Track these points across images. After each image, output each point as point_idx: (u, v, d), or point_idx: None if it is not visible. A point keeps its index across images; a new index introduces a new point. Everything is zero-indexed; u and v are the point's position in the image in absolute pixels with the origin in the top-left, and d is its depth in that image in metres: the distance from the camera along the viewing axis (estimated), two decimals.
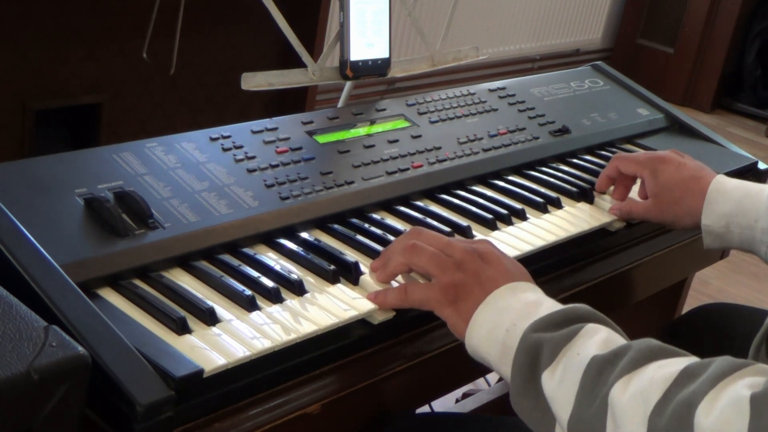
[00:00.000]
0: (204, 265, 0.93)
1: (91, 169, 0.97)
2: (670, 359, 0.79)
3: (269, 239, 1.00)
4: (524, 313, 0.87)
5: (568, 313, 0.86)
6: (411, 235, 0.97)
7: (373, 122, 1.25)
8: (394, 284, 0.96)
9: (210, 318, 0.84)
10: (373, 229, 1.06)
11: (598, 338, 0.83)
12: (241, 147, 1.09)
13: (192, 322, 0.84)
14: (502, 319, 0.87)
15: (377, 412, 0.96)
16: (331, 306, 0.90)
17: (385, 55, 1.31)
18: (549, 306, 0.88)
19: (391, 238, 1.03)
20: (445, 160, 1.22)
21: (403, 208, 1.12)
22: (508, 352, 0.86)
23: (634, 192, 1.26)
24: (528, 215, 1.17)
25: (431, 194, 1.18)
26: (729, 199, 1.16)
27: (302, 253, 0.98)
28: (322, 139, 1.17)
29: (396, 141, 1.22)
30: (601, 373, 0.79)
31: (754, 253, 1.18)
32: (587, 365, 0.80)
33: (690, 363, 0.76)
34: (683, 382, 0.75)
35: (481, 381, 1.93)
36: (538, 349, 0.83)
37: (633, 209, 1.21)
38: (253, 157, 1.08)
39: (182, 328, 0.82)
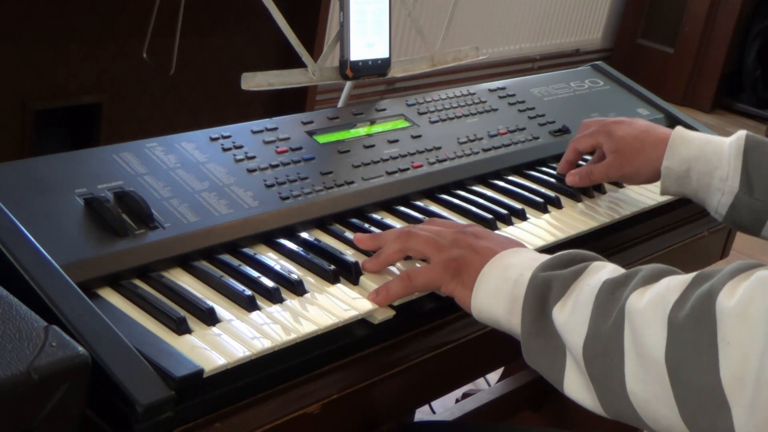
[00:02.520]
0: (204, 265, 0.93)
1: (91, 169, 0.97)
2: (682, 274, 0.80)
3: (269, 239, 1.00)
4: (530, 265, 0.88)
5: (574, 254, 0.88)
6: (403, 228, 0.99)
7: (373, 122, 1.25)
8: (388, 278, 0.96)
9: (210, 318, 0.84)
10: (373, 229, 1.06)
11: (607, 269, 0.84)
12: (241, 147, 1.09)
13: (192, 322, 0.84)
14: (508, 274, 0.88)
15: (377, 412, 0.96)
16: (331, 306, 0.91)
17: (385, 55, 1.31)
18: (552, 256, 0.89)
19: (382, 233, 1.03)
20: (445, 160, 1.22)
21: (403, 208, 1.12)
22: (517, 301, 0.86)
23: None
24: (528, 215, 1.17)
25: (431, 194, 1.18)
26: (692, 145, 1.18)
27: (302, 253, 0.98)
28: (322, 139, 1.17)
29: (396, 141, 1.22)
30: (614, 292, 0.80)
31: (704, 206, 1.19)
32: (600, 288, 0.81)
33: (702, 270, 0.77)
34: (699, 282, 0.76)
35: (481, 381, 1.93)
36: (547, 286, 0.85)
37: (593, 170, 1.23)
38: (253, 157, 1.08)
39: (182, 328, 0.82)
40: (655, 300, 0.76)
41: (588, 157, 1.31)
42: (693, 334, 0.72)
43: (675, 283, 0.77)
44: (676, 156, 1.19)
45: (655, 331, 0.74)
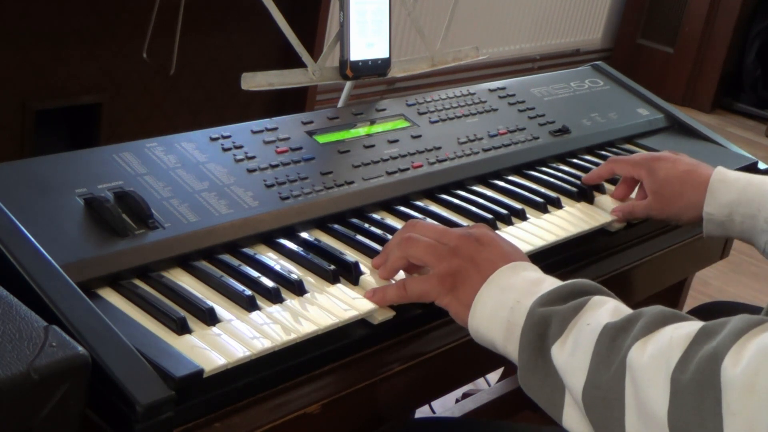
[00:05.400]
0: (204, 265, 0.93)
1: (91, 169, 0.97)
2: (684, 322, 0.78)
3: (269, 239, 1.00)
4: (528, 291, 0.87)
5: (573, 286, 0.86)
6: (406, 228, 0.98)
7: (373, 122, 1.25)
8: (393, 282, 0.96)
9: (210, 318, 0.84)
10: (373, 229, 1.06)
11: (607, 308, 0.82)
12: (241, 147, 1.09)
13: (192, 322, 0.84)
14: (505, 298, 0.87)
15: (377, 412, 0.96)
16: (331, 306, 0.90)
17: (385, 55, 1.31)
18: (552, 282, 0.88)
19: (391, 237, 1.03)
20: (445, 160, 1.22)
21: (403, 208, 1.12)
22: (513, 329, 0.85)
23: (634, 193, 1.27)
24: (528, 215, 1.17)
25: (431, 194, 1.18)
26: (732, 189, 1.17)
27: (302, 253, 0.98)
28: (322, 139, 1.17)
29: (396, 141, 1.22)
30: (615, 339, 0.78)
31: (752, 244, 1.18)
32: (600, 333, 0.79)
33: (706, 323, 0.76)
34: (703, 339, 0.74)
35: (481, 381, 1.93)
36: (546, 322, 0.83)
37: (635, 208, 1.22)
38: (253, 157, 1.08)
39: (182, 328, 0.82)
40: (657, 356, 0.75)
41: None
42: (697, 400, 0.71)
43: (678, 338, 0.75)
44: (717, 201, 1.17)
45: (657, 390, 0.73)
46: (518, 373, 0.85)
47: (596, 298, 0.84)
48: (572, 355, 0.80)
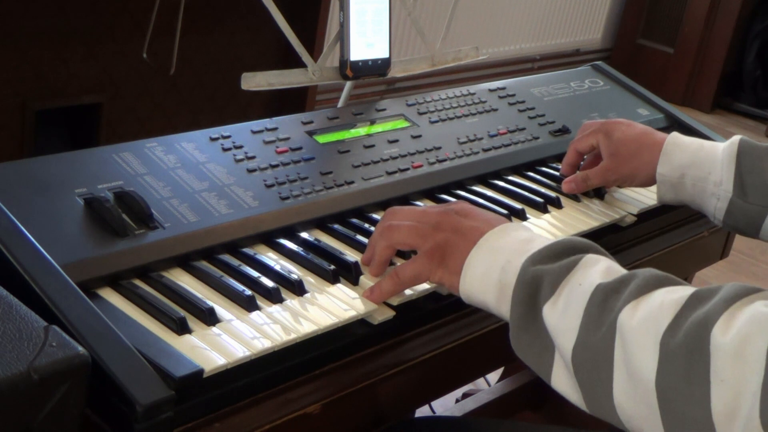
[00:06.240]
0: (204, 265, 0.93)
1: (91, 169, 0.97)
2: (677, 286, 0.79)
3: (269, 239, 1.00)
4: (519, 250, 0.86)
5: (565, 244, 0.86)
6: (386, 217, 0.98)
7: (373, 122, 1.25)
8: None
9: (210, 318, 0.84)
10: (373, 229, 1.06)
11: (600, 267, 0.82)
12: (241, 147, 1.09)
13: (192, 322, 0.84)
14: (496, 259, 0.87)
15: (377, 412, 0.96)
16: (331, 306, 0.91)
17: (385, 55, 1.31)
18: (543, 240, 0.88)
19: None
20: (445, 160, 1.22)
21: None
22: (505, 289, 0.85)
23: None
24: (528, 215, 1.17)
25: (431, 194, 1.18)
26: (684, 151, 1.19)
27: (302, 253, 0.98)
28: (322, 139, 1.17)
29: (396, 141, 1.22)
30: (607, 300, 0.79)
31: (702, 211, 1.20)
32: (592, 293, 0.79)
33: (699, 288, 0.76)
34: (694, 304, 0.75)
35: (481, 381, 1.93)
36: (537, 281, 0.83)
37: (589, 175, 1.23)
38: (253, 157, 1.08)
39: (182, 328, 0.82)
40: (648, 319, 0.75)
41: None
42: (685, 365, 0.71)
43: (669, 302, 0.76)
44: (670, 163, 1.19)
45: (646, 354, 0.74)
46: (510, 331, 0.85)
47: (589, 257, 0.84)
48: (563, 315, 0.80)
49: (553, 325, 0.81)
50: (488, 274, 0.87)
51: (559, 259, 0.84)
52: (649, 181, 1.23)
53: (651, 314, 0.75)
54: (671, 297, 0.76)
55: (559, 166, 1.33)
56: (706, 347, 0.71)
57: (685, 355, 0.72)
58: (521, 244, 0.87)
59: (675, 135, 1.22)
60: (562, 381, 0.81)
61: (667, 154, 1.19)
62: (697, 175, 1.17)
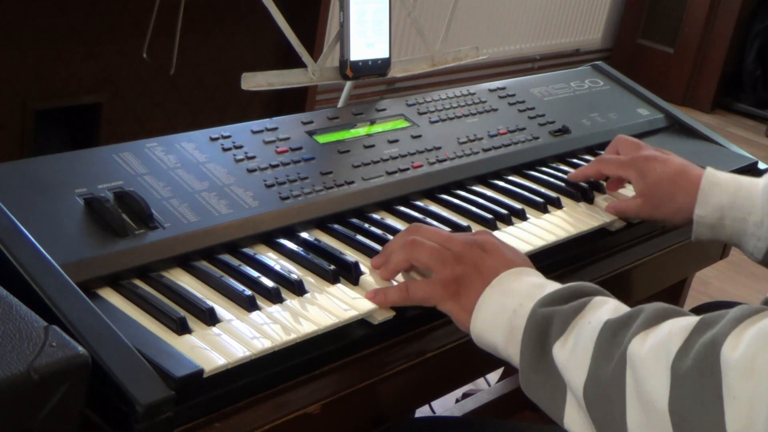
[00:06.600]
0: (204, 265, 0.93)
1: (91, 169, 0.97)
2: (684, 317, 0.79)
3: (269, 239, 1.00)
4: (530, 294, 0.87)
5: (575, 288, 0.87)
6: (410, 230, 0.97)
7: (373, 122, 1.25)
8: (394, 283, 0.96)
9: (210, 318, 0.84)
10: (373, 229, 1.06)
11: (609, 306, 0.83)
12: (241, 147, 1.09)
13: (192, 322, 0.84)
14: (508, 301, 0.87)
15: (377, 412, 0.96)
16: (331, 306, 0.90)
17: (385, 55, 1.31)
18: (554, 285, 0.88)
19: (391, 238, 1.03)
20: (445, 160, 1.22)
21: (403, 208, 1.12)
22: (515, 332, 0.86)
23: (630, 190, 1.26)
24: (528, 215, 1.17)
25: (431, 194, 1.18)
26: (723, 192, 1.16)
27: (302, 253, 0.98)
28: (322, 139, 1.17)
29: (396, 141, 1.22)
30: (616, 335, 0.79)
31: (739, 247, 1.18)
32: (601, 329, 0.80)
33: (706, 315, 0.76)
34: (703, 328, 0.75)
35: (481, 381, 1.93)
36: (548, 322, 0.83)
37: (626, 209, 1.22)
38: (253, 157, 1.08)
39: (182, 328, 0.82)
40: (657, 347, 0.75)
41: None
42: (697, 386, 0.71)
43: (677, 329, 0.76)
44: (708, 204, 1.16)
45: (658, 380, 0.74)
46: (520, 374, 0.85)
47: (597, 299, 0.85)
48: (573, 352, 0.80)
49: (563, 363, 0.81)
50: (499, 315, 0.87)
51: (568, 301, 0.85)
52: (685, 223, 1.19)
53: (660, 342, 0.75)
54: (680, 324, 0.76)
55: (559, 166, 1.33)
56: (716, 366, 0.71)
57: (697, 376, 0.71)
58: (533, 288, 0.88)
59: (711, 172, 1.18)
60: (575, 421, 0.81)
61: (705, 195, 1.16)
62: (737, 216, 1.15)
